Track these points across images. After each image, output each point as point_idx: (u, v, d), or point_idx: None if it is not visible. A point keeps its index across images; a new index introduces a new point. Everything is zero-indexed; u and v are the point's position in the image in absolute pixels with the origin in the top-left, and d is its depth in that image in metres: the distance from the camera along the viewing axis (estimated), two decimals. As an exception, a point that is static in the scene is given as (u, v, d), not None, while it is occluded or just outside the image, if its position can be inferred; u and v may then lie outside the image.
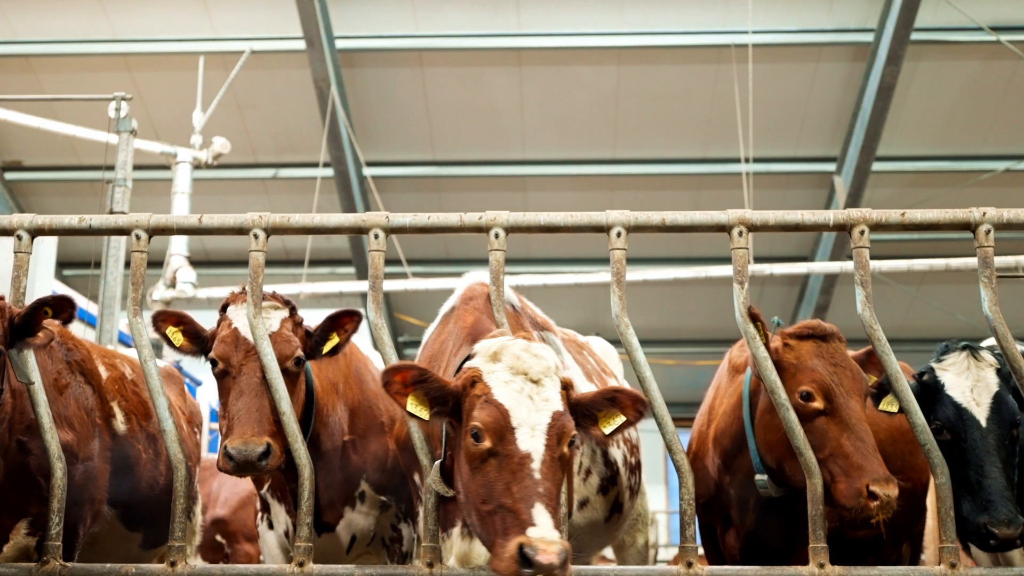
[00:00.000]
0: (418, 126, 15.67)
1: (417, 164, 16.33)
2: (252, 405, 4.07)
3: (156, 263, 13.05)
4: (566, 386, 3.64)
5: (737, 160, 13.64)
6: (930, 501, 5.08)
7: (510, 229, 4.28)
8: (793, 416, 4.07)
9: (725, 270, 13.06)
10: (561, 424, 3.51)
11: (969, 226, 4.26)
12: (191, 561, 5.72)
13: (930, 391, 4.40)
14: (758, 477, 4.40)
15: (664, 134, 15.71)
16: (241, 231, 4.29)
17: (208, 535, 8.59)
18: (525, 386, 3.53)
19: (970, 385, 4.33)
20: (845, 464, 3.95)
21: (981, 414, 4.27)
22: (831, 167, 15.74)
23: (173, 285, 12.50)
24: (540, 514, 3.32)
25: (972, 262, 11.83)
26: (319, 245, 15.25)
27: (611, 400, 3.70)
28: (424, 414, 3.65)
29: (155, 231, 4.31)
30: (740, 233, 4.25)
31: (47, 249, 9.86)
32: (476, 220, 4.30)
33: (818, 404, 4.09)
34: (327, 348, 4.48)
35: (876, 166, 15.19)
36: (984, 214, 4.22)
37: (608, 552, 6.57)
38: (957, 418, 4.28)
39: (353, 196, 15.61)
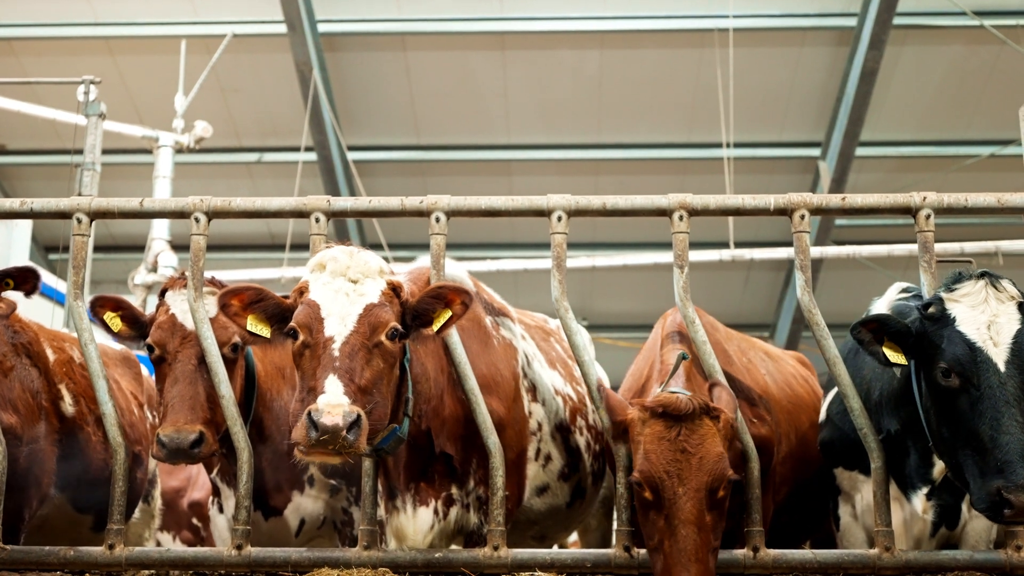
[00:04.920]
0: (402, 110, 15.62)
1: (401, 148, 16.26)
2: (186, 392, 4.10)
3: (139, 247, 13.06)
4: (395, 288, 3.76)
5: (721, 145, 13.61)
6: None
7: (451, 213, 4.29)
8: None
9: (711, 255, 13.05)
10: (375, 315, 3.63)
11: (910, 210, 4.27)
12: (149, 544, 5.75)
13: (936, 326, 3.73)
14: None
15: (648, 119, 15.65)
16: (182, 215, 4.31)
17: (185, 518, 8.55)
18: (343, 286, 3.67)
19: (987, 320, 3.65)
20: (662, 564, 3.59)
21: (999, 356, 3.59)
22: (815, 152, 15.69)
23: (155, 270, 12.48)
24: (331, 383, 3.45)
25: (953, 247, 11.82)
26: (302, 229, 15.17)
27: (437, 297, 3.82)
28: (265, 331, 3.82)
29: (96, 215, 4.32)
30: (680, 217, 4.26)
31: (21, 233, 9.87)
32: (417, 204, 4.31)
33: (647, 495, 3.64)
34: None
35: (860, 151, 15.12)
36: (924, 199, 4.24)
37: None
38: (969, 359, 3.59)
39: (337, 180, 15.53)
